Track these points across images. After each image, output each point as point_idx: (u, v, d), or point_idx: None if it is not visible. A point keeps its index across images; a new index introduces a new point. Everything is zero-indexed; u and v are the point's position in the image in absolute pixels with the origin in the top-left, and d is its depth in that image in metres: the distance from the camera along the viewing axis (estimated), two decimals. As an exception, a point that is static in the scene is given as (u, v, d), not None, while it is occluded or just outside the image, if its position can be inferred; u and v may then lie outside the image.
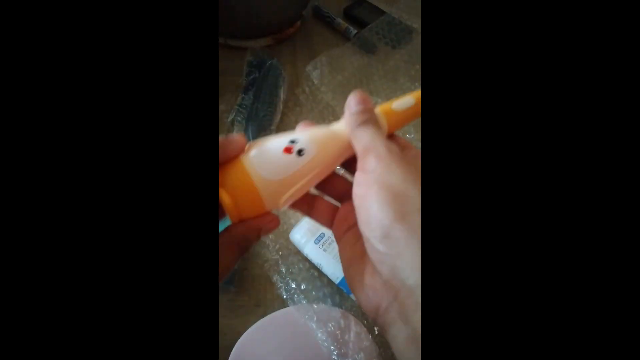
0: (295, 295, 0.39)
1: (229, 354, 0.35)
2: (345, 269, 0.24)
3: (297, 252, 0.42)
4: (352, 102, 0.23)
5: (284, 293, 0.39)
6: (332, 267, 0.39)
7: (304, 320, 0.37)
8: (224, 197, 0.21)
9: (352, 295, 0.38)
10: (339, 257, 0.38)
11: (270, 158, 0.22)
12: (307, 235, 0.40)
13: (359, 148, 0.22)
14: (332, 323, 0.37)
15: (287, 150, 0.22)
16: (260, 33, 0.58)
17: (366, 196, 0.20)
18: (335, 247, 0.39)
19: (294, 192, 0.22)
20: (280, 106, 0.51)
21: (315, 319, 0.37)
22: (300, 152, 0.22)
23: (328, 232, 0.40)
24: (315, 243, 0.40)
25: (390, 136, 0.25)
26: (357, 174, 0.21)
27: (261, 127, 0.48)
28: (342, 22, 0.61)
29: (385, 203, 0.19)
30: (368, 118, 0.23)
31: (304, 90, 0.54)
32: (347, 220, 0.24)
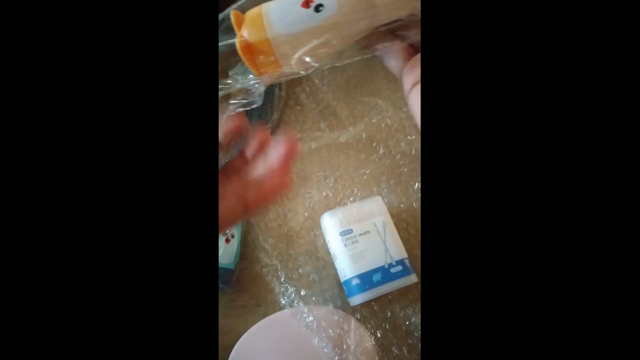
0: (295, 302, 0.39)
1: (229, 354, 0.35)
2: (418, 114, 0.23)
3: (297, 257, 0.41)
4: None
5: (282, 299, 0.39)
6: (345, 264, 0.38)
7: (303, 326, 0.37)
8: (238, 37, 0.21)
9: (351, 299, 0.38)
10: (356, 257, 0.38)
11: (285, 10, 0.21)
12: (336, 224, 0.40)
13: None
14: (333, 327, 0.37)
15: (305, 4, 0.21)
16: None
17: None
18: (354, 247, 0.39)
19: (307, 50, 0.21)
20: (278, 103, 0.51)
21: (315, 324, 0.37)
22: (318, 8, 0.20)
23: (356, 232, 0.39)
24: (340, 235, 0.39)
25: None
26: None
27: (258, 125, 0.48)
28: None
29: None
30: None
31: (305, 90, 0.53)
32: (415, 73, 0.23)
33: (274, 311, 0.38)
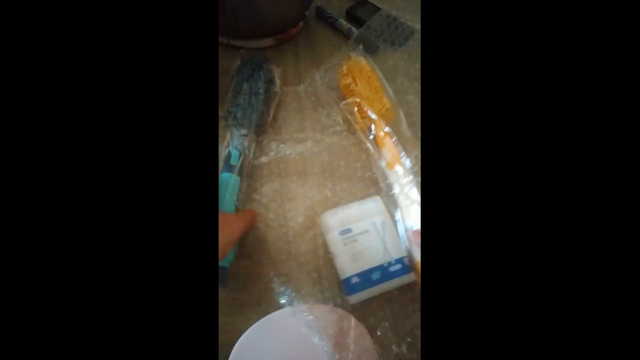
0: (295, 301, 0.39)
1: (230, 352, 0.35)
2: None
3: (297, 257, 0.42)
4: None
5: (282, 298, 0.39)
6: (344, 262, 0.39)
7: (303, 325, 0.37)
8: None
9: (350, 297, 0.38)
10: (355, 256, 0.38)
11: None
12: (336, 224, 0.40)
13: None
14: (333, 325, 0.37)
15: None
16: (263, 33, 0.58)
17: None
18: (353, 246, 0.39)
19: None
20: (260, 104, 0.49)
21: (315, 323, 0.37)
22: None
23: (356, 231, 0.40)
24: (340, 234, 0.40)
25: None
26: None
27: (241, 127, 0.47)
28: (344, 23, 0.61)
29: None
30: None
31: (305, 89, 0.54)
32: None
33: (275, 310, 0.38)
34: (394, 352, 0.37)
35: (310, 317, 0.37)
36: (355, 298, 0.38)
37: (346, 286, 0.38)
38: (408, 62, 0.56)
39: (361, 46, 0.54)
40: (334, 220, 0.41)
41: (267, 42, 0.59)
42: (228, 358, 0.35)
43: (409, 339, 0.38)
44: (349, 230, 0.40)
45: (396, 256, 0.39)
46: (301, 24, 0.61)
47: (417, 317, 0.39)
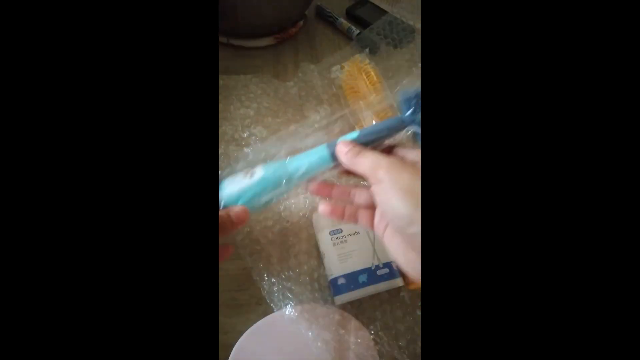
0: (294, 301, 0.39)
1: (230, 352, 0.35)
2: (394, 254, 0.29)
3: (296, 256, 0.41)
4: (341, 147, 0.29)
5: (282, 298, 0.39)
6: (332, 262, 0.39)
7: (303, 326, 0.37)
8: None
9: (336, 298, 0.38)
10: (343, 257, 0.39)
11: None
12: (327, 223, 0.41)
13: (366, 169, 0.27)
14: (333, 325, 0.37)
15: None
16: (263, 32, 0.58)
17: (387, 200, 0.25)
18: (342, 247, 0.40)
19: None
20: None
21: (315, 323, 0.37)
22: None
23: (346, 232, 0.40)
24: (330, 234, 0.40)
25: (389, 151, 0.30)
26: (373, 187, 0.27)
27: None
28: (344, 22, 0.61)
29: (403, 199, 0.24)
30: (360, 149, 0.28)
31: (298, 81, 0.54)
32: (383, 221, 0.30)
33: (274, 310, 0.38)
34: (387, 351, 0.37)
35: (311, 318, 0.37)
36: (340, 299, 0.38)
37: (333, 286, 0.38)
38: (410, 62, 0.56)
39: (367, 49, 0.54)
40: (326, 219, 0.41)
41: (267, 41, 0.59)
42: (228, 358, 0.35)
43: (400, 343, 0.37)
44: (339, 231, 0.40)
45: (385, 260, 0.39)
46: (301, 23, 0.61)
47: (409, 322, 0.38)
